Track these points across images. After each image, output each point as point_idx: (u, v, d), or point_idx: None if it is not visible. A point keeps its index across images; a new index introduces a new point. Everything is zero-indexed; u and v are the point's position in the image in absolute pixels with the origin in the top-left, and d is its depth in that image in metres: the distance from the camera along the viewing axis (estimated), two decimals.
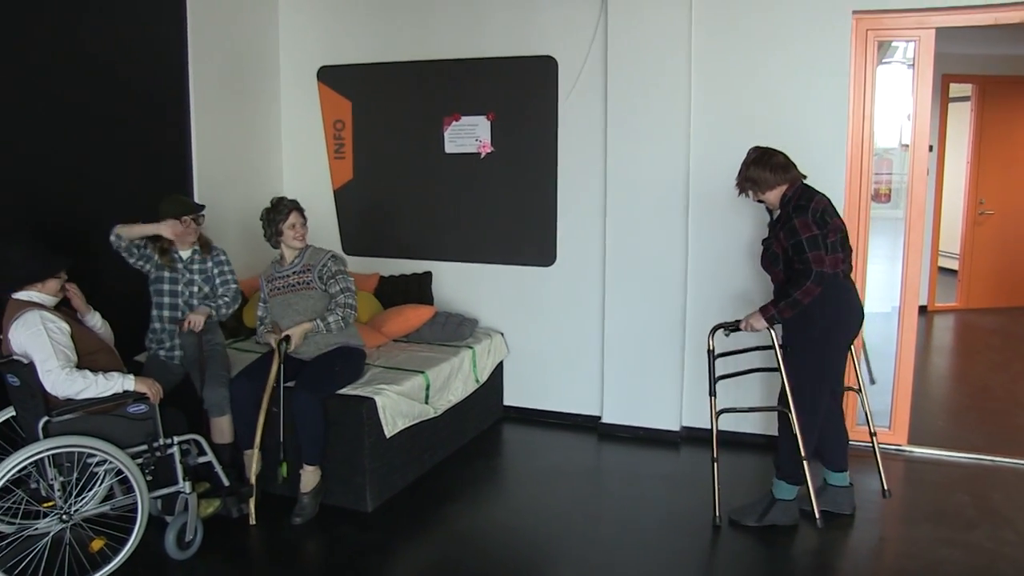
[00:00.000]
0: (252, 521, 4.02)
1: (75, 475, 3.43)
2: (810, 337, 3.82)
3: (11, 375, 3.47)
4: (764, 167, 3.84)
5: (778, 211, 3.92)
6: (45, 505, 3.45)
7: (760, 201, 3.96)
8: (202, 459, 3.83)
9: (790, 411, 3.85)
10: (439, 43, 5.51)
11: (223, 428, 4.20)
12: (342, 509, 4.21)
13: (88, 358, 3.59)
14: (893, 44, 6.28)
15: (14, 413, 3.65)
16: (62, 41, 4.42)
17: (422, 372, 4.64)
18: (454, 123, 5.53)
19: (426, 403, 4.62)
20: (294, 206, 4.37)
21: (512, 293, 5.56)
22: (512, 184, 5.45)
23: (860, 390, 4.32)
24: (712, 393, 4.04)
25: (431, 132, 5.60)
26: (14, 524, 3.59)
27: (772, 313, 3.78)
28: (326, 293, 4.38)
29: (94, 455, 3.43)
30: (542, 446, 5.16)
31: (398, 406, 4.33)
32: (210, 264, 4.43)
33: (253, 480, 4.07)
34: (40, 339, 3.41)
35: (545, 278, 5.47)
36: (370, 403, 4.18)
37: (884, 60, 7.00)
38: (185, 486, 3.68)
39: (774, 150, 3.90)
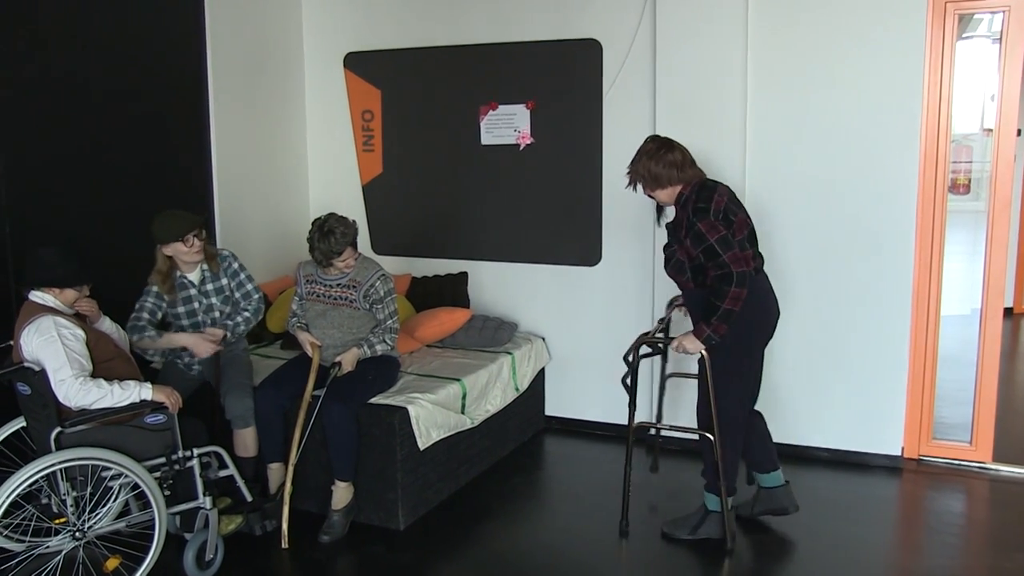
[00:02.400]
0: (285, 544, 3.97)
1: (89, 490, 3.41)
2: (729, 341, 3.71)
3: (21, 383, 3.46)
4: (658, 163, 3.72)
5: (671, 209, 3.84)
6: (57, 522, 3.44)
7: (651, 196, 3.86)
8: (223, 473, 3.81)
9: (712, 429, 3.82)
10: (475, 27, 5.46)
11: (247, 441, 4.16)
12: (372, 527, 4.18)
13: (104, 366, 3.57)
14: (976, 16, 6.08)
15: (24, 424, 3.64)
16: (72, 27, 4.41)
17: (458, 380, 4.60)
18: (491, 112, 5.48)
19: (462, 413, 4.57)
20: (348, 241, 4.16)
21: (554, 295, 5.49)
22: (553, 178, 5.38)
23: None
24: (631, 405, 4.00)
25: (466, 122, 5.54)
26: (24, 542, 3.57)
27: (707, 333, 3.65)
28: (368, 312, 4.30)
29: (109, 468, 3.40)
30: (586, 460, 5.08)
31: (432, 416, 4.28)
32: (225, 281, 4.28)
33: (287, 499, 4.02)
34: (53, 346, 3.39)
35: (589, 279, 5.38)
36: (403, 413, 4.14)
37: (965, 35, 6.76)
38: (205, 501, 3.66)
39: (672, 145, 3.77)
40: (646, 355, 4.09)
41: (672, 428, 4.27)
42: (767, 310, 3.85)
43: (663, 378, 4.59)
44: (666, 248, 3.84)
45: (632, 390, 3.99)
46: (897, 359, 4.73)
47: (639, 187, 3.83)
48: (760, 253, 3.87)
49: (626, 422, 4.00)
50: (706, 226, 3.59)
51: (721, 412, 3.81)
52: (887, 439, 4.82)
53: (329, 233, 4.13)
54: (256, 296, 4.34)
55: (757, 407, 4.07)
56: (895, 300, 4.69)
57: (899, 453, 4.83)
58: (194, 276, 4.22)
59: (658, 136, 3.86)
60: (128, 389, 3.49)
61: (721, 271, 3.57)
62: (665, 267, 3.85)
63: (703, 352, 3.73)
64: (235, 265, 4.31)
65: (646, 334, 4.03)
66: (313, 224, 4.19)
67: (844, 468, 4.80)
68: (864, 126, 4.62)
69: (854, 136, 4.65)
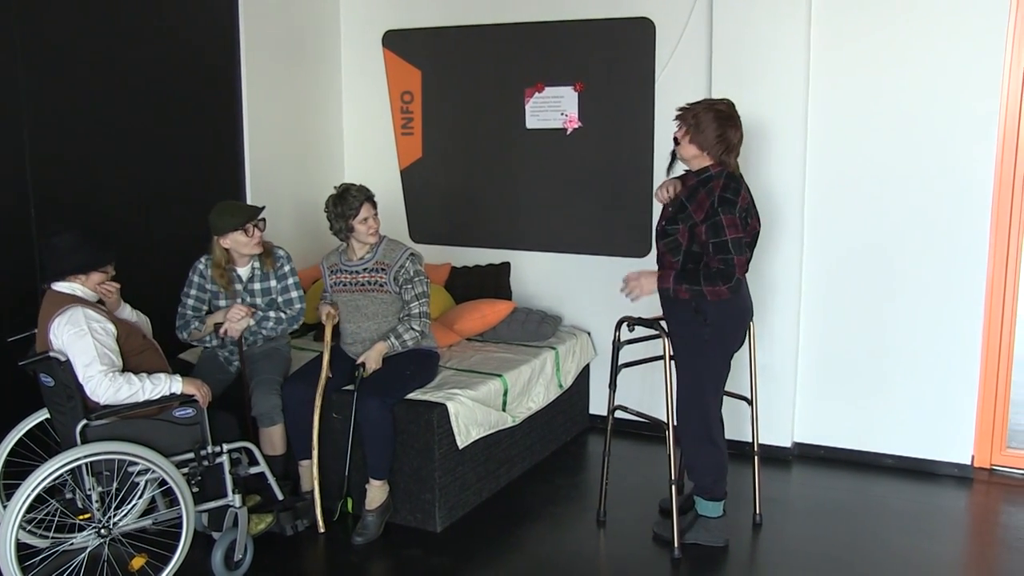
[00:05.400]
0: (321, 529, 4.07)
1: (115, 485, 3.40)
2: (699, 338, 3.75)
3: (44, 374, 3.45)
4: (717, 129, 3.60)
5: (680, 167, 3.80)
6: (81, 518, 3.44)
7: (677, 142, 3.73)
8: (254, 470, 3.80)
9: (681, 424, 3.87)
10: (521, 4, 5.39)
11: (274, 439, 4.15)
12: (408, 528, 4.16)
13: (135, 359, 3.57)
14: None
15: (47, 415, 3.64)
16: (104, 6, 4.40)
17: (499, 375, 4.55)
18: (537, 94, 5.41)
19: (503, 410, 4.53)
20: (365, 196, 4.18)
21: (601, 287, 5.39)
22: (602, 164, 5.31)
23: (752, 401, 4.23)
24: (612, 386, 4.14)
25: (511, 105, 5.49)
26: (48, 538, 3.61)
27: (666, 285, 3.67)
28: (399, 297, 4.26)
29: (136, 463, 3.40)
30: (633, 461, 5.00)
31: (472, 414, 4.23)
32: (273, 283, 4.28)
33: (317, 493, 4.06)
34: (84, 341, 3.38)
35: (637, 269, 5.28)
36: (441, 410, 4.10)
37: None
38: (235, 499, 3.65)
39: (738, 124, 3.67)
40: (632, 340, 4.09)
41: (638, 414, 4.20)
42: (744, 312, 3.86)
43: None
44: (669, 223, 3.75)
45: (613, 373, 4.10)
46: (968, 361, 4.61)
47: (680, 130, 3.71)
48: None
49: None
50: (729, 221, 3.57)
51: (688, 405, 3.83)
52: (956, 446, 4.70)
53: (344, 192, 4.17)
54: (298, 307, 4.33)
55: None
56: (967, 298, 4.57)
57: (969, 462, 4.71)
58: (244, 271, 4.24)
59: (734, 107, 3.72)
60: (158, 383, 3.48)
61: (725, 267, 3.57)
62: (658, 241, 3.82)
63: (666, 340, 3.81)
64: (287, 268, 4.32)
65: (625, 319, 4.04)
66: (327, 199, 4.22)
67: (910, 476, 4.71)
68: (936, 111, 4.50)
69: (924, 121, 4.53)
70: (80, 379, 3.36)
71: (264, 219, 4.21)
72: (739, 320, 3.85)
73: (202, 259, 4.23)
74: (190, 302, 4.23)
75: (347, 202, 4.14)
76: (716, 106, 3.67)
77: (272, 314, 4.25)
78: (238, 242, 4.11)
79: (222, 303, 4.21)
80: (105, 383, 3.35)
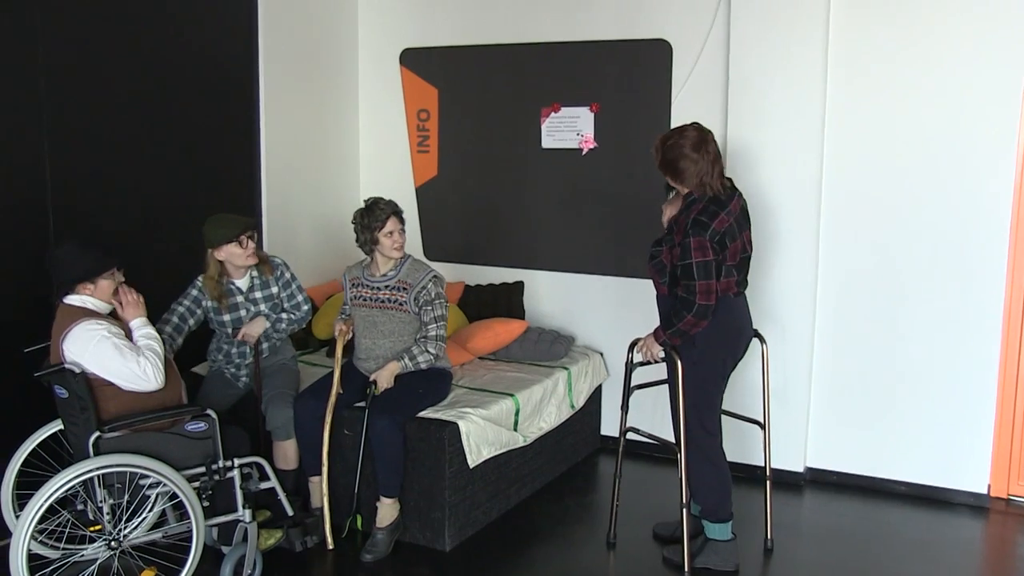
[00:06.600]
0: (330, 545, 4.04)
1: (126, 498, 3.41)
2: (688, 360, 3.76)
3: (59, 386, 3.46)
4: (686, 159, 3.66)
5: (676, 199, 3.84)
6: (92, 530, 3.45)
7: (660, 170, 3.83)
8: (264, 485, 3.80)
9: (679, 446, 3.84)
10: (537, 24, 5.41)
11: (287, 452, 4.16)
12: (417, 547, 4.14)
13: None
14: None
15: (61, 426, 3.64)
16: (122, 21, 4.44)
17: (511, 395, 4.54)
18: (553, 114, 5.42)
19: (515, 430, 4.51)
20: (392, 210, 4.19)
21: (614, 308, 5.41)
22: (617, 185, 5.31)
23: (764, 425, 4.18)
24: (624, 408, 4.11)
25: (527, 124, 5.50)
26: (59, 549, 3.61)
27: (663, 339, 3.78)
28: (418, 317, 4.26)
29: (147, 476, 3.40)
30: (644, 483, 4.97)
31: (484, 433, 4.22)
32: (275, 289, 4.28)
33: (326, 509, 4.06)
34: (104, 345, 3.39)
35: (652, 292, 5.22)
36: (453, 428, 4.09)
37: None
38: (245, 514, 3.65)
39: (709, 148, 3.68)
40: (645, 362, 4.06)
41: (650, 436, 4.18)
42: (735, 332, 3.85)
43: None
44: (655, 245, 3.85)
45: (625, 394, 4.10)
46: (985, 387, 4.56)
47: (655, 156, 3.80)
48: (746, 279, 3.86)
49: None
50: (696, 244, 3.57)
51: (689, 426, 3.81)
52: (972, 475, 4.65)
53: (373, 205, 4.18)
54: (305, 308, 4.35)
55: None
56: (984, 321, 4.54)
57: (985, 491, 4.66)
58: (242, 283, 4.23)
59: (703, 130, 3.75)
60: (145, 342, 3.54)
61: (687, 295, 3.59)
62: (648, 263, 3.88)
63: (676, 361, 3.76)
64: (288, 274, 4.33)
65: (637, 340, 4.03)
66: (356, 212, 4.23)
67: (923, 505, 4.66)
68: (954, 131, 4.49)
69: (942, 143, 4.52)
70: (125, 381, 3.40)
71: (256, 232, 4.22)
72: (730, 339, 3.82)
73: (202, 276, 4.23)
74: (180, 309, 4.18)
75: (374, 214, 4.15)
76: (685, 133, 3.72)
77: (284, 315, 4.27)
78: (232, 254, 4.09)
79: (226, 318, 4.21)
80: (138, 371, 3.40)
